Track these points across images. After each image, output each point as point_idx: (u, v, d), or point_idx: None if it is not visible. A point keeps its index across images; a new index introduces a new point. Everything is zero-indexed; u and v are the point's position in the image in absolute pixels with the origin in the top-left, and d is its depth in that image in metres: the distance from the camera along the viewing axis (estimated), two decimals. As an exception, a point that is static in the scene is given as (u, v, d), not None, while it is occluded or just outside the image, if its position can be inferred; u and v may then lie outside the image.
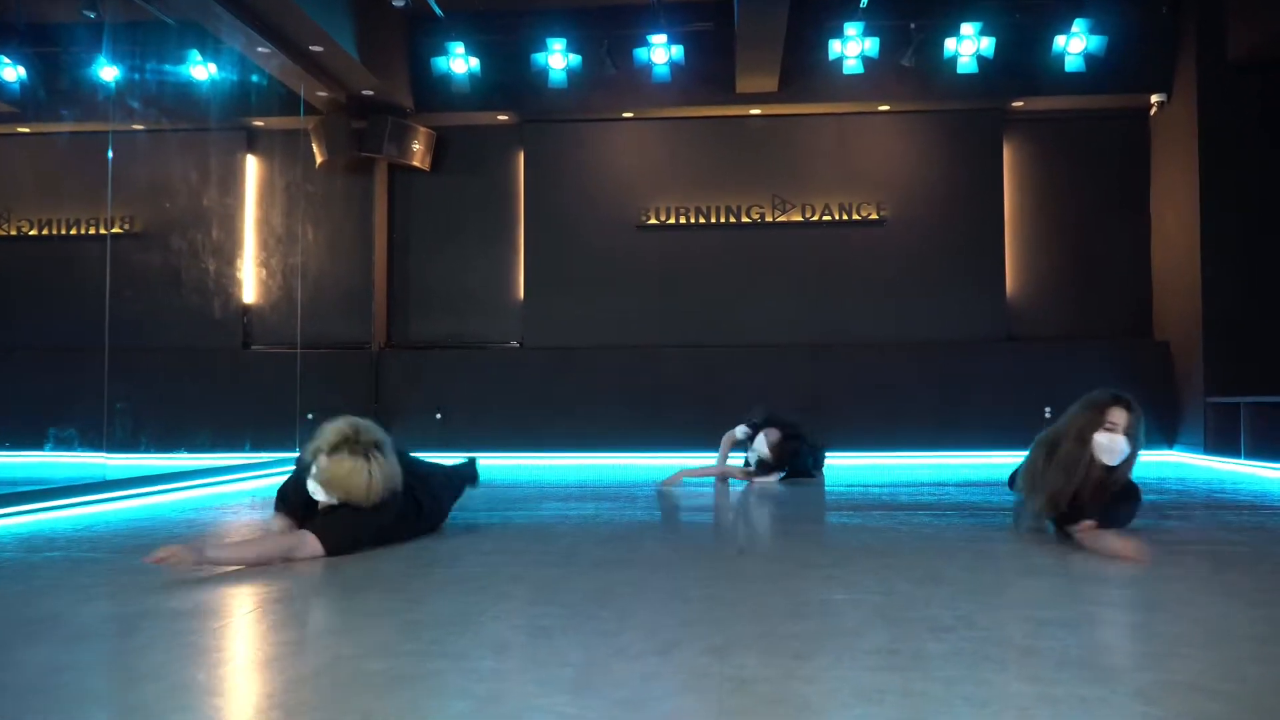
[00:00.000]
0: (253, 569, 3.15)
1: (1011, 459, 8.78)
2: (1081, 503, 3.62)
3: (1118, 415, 3.63)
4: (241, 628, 2.42)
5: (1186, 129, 8.86)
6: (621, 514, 4.82)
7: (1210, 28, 8.64)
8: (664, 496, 5.68)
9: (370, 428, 3.56)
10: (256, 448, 8.04)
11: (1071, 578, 3.01)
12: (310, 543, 3.35)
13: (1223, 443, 8.25)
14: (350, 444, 3.43)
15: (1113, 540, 3.34)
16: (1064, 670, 1.95)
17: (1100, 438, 3.61)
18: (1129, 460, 3.66)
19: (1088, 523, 3.55)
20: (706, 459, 7.21)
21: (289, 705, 1.78)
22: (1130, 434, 3.63)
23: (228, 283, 9.68)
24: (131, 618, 2.52)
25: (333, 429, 3.51)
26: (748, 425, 6.71)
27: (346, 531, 3.42)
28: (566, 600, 2.74)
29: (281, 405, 8.75)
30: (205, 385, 9.31)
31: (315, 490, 3.45)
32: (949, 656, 2.06)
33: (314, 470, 3.44)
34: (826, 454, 7.14)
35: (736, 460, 6.78)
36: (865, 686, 1.85)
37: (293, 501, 3.62)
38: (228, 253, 9.63)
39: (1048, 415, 9.20)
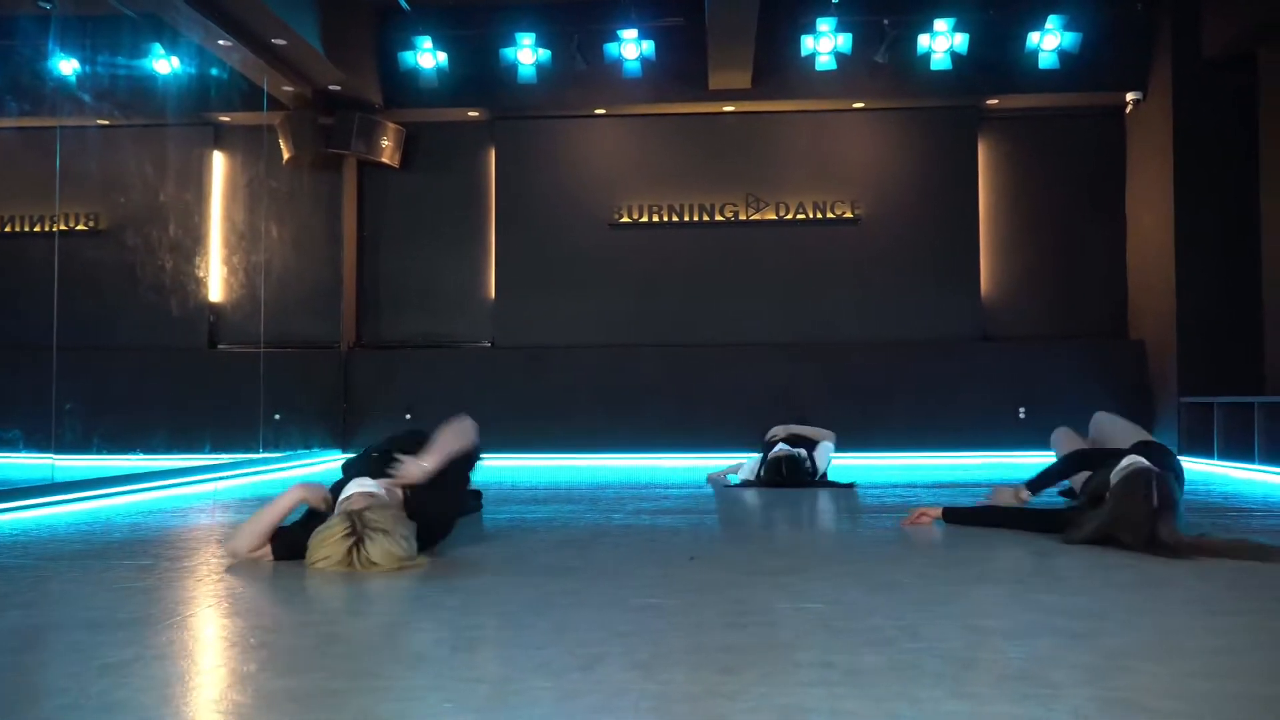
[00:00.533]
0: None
1: (986, 459, 8.83)
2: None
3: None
4: (161, 641, 2.30)
5: (1162, 127, 8.81)
6: (580, 518, 4.71)
7: (1185, 24, 8.59)
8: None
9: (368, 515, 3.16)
10: (219, 449, 7.89)
11: (1025, 585, 2.91)
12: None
13: (1196, 443, 8.20)
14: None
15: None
16: (1001, 686, 1.85)
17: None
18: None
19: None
20: (679, 460, 7.12)
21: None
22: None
23: (191, 281, 9.53)
24: (39, 630, 2.40)
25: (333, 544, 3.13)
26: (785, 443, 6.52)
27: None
28: (502, 610, 2.63)
29: (247, 406, 8.62)
30: (168, 385, 9.16)
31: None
32: (884, 671, 1.96)
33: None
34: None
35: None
36: (790, 704, 1.75)
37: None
38: (191, 250, 9.47)
39: (1021, 416, 9.17)
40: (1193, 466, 7.82)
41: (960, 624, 2.38)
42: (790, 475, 6.11)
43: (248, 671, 2.01)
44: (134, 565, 3.34)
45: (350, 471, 3.67)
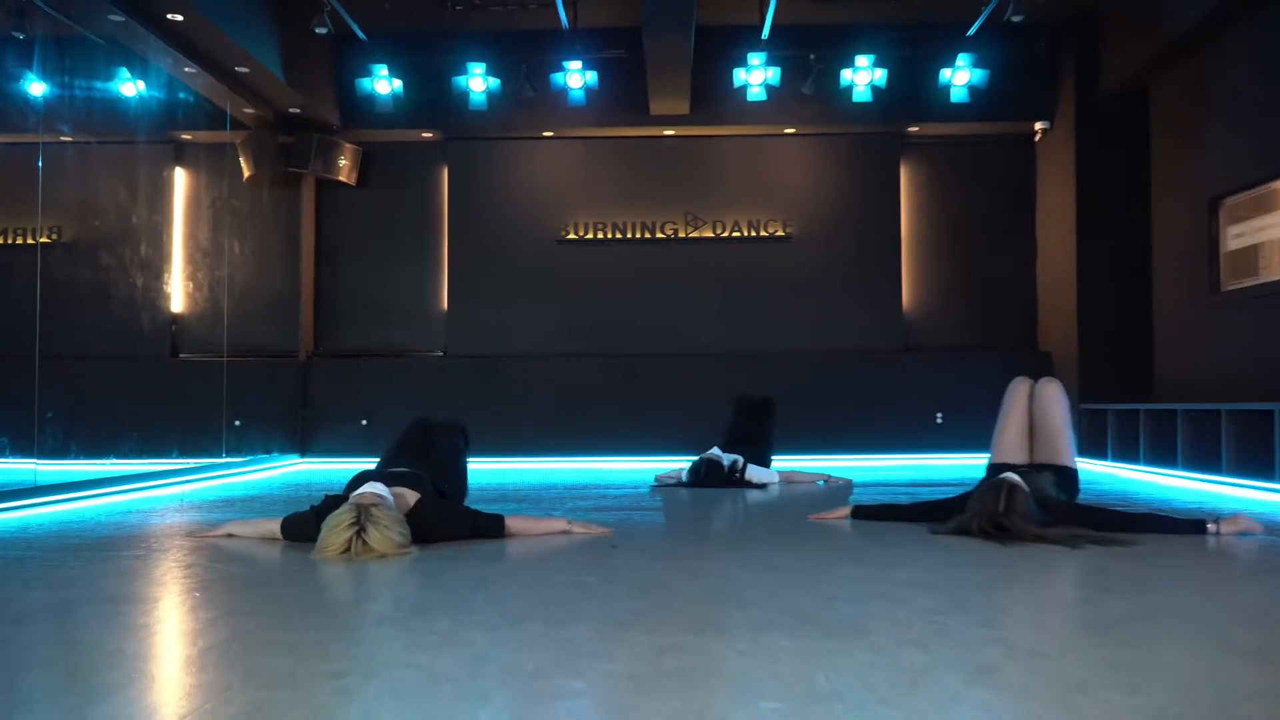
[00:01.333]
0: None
1: (907, 462, 9.52)
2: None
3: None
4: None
5: (1066, 155, 9.57)
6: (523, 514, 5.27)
7: (1086, 60, 9.35)
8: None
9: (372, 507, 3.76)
10: (185, 454, 8.35)
11: (883, 565, 3.52)
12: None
13: (1094, 446, 8.94)
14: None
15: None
16: (829, 633, 2.45)
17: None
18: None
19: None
20: (622, 463, 7.69)
21: None
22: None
23: (155, 293, 9.95)
24: (68, 603, 2.93)
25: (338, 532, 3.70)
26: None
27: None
28: (448, 586, 3.19)
29: (210, 412, 9.07)
30: (134, 393, 9.57)
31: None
32: (743, 624, 2.55)
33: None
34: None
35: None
36: (666, 645, 2.33)
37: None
38: (156, 264, 9.90)
39: (939, 421, 9.89)
40: (1089, 467, 8.56)
41: (817, 593, 2.99)
42: (708, 476, 6.86)
43: (248, 628, 2.56)
44: (130, 554, 3.85)
45: (369, 475, 4.23)
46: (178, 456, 8.25)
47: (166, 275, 10.16)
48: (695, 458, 7.22)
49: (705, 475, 6.85)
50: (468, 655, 2.27)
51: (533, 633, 2.48)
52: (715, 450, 7.11)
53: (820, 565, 3.52)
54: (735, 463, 6.96)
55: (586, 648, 2.33)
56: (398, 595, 3.07)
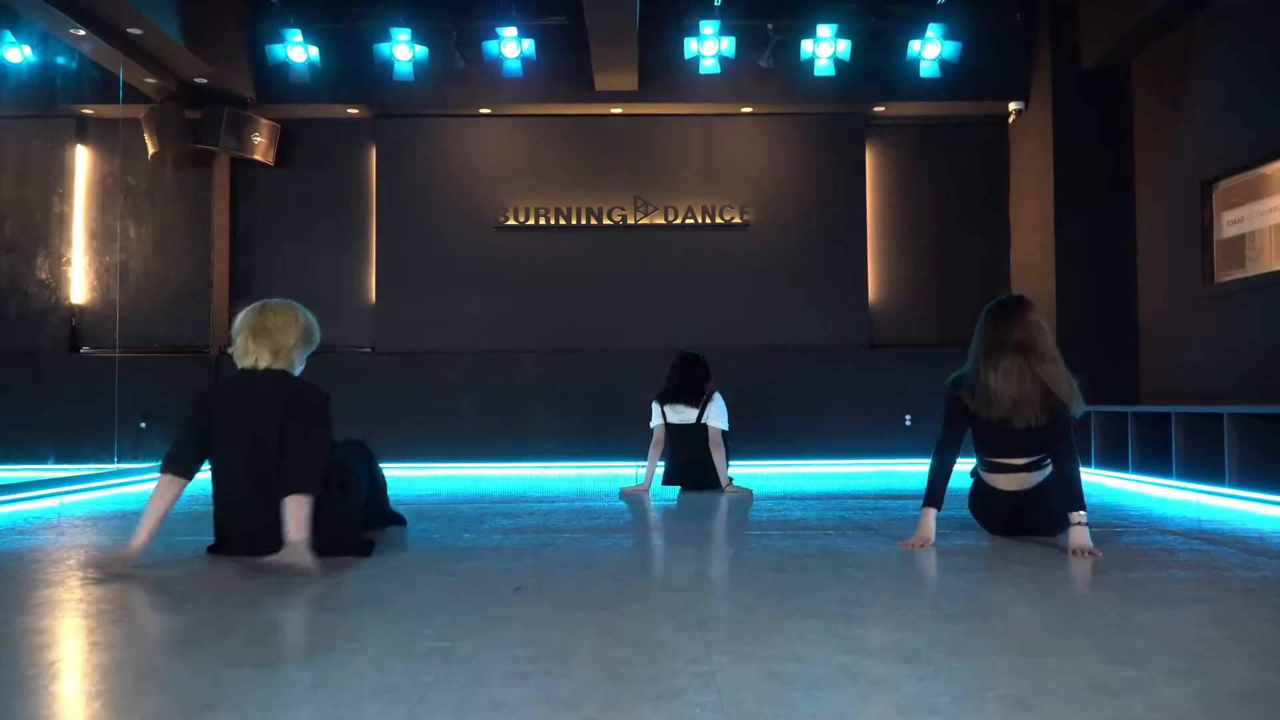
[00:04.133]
0: None
1: (870, 468, 8.78)
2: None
3: None
4: None
5: (1042, 137, 8.89)
6: (427, 538, 4.46)
7: (1063, 35, 8.68)
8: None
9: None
10: (61, 460, 7.44)
11: (844, 618, 2.76)
12: None
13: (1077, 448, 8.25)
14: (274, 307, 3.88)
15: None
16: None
17: None
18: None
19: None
20: (559, 469, 6.95)
21: None
22: None
23: (52, 280, 9.03)
24: None
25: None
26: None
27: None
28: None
29: (104, 414, 8.17)
30: (26, 390, 8.66)
31: (243, 352, 3.79)
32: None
33: (238, 336, 3.83)
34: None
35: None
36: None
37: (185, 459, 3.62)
38: (49, 248, 8.97)
39: (908, 423, 9.17)
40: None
41: (760, 669, 2.21)
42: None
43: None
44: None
45: None
46: (55, 463, 7.34)
47: (65, 262, 9.22)
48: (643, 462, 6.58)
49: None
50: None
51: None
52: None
53: (768, 614, 2.74)
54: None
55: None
56: (193, 674, 2.25)
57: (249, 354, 3.80)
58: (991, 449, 4.20)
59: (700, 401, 6.42)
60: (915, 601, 2.99)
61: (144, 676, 2.22)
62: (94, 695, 2.07)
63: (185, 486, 3.61)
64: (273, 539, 3.49)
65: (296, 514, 3.45)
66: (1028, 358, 4.11)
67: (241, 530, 3.71)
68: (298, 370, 3.88)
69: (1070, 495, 3.92)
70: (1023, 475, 4.15)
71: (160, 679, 2.20)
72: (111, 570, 3.42)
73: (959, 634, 2.54)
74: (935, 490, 4.13)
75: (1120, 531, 4.62)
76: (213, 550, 3.83)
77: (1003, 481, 4.20)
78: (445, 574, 3.54)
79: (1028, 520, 4.22)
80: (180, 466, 3.59)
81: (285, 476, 3.51)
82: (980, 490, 4.36)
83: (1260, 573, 3.46)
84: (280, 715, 1.90)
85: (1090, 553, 3.74)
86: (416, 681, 2.12)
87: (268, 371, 3.78)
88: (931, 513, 4.09)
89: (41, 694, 2.09)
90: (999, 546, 4.07)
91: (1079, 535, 3.82)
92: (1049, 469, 4.12)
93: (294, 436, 3.59)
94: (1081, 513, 3.85)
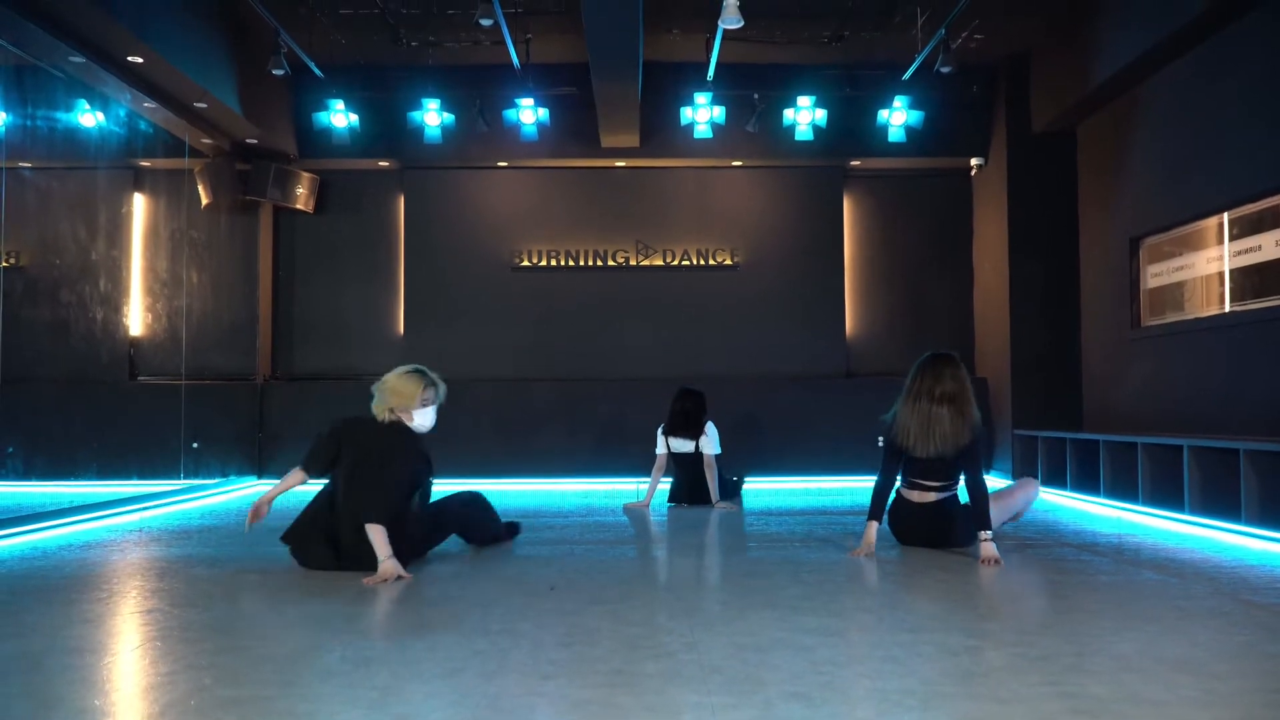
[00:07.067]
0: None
1: (851, 484, 9.87)
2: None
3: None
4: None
5: (999, 190, 9.99)
6: (469, 548, 5.53)
7: (1017, 102, 9.78)
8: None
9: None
10: (143, 477, 8.54)
11: (790, 609, 3.83)
12: None
13: (1026, 471, 9.33)
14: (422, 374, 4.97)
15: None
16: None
17: None
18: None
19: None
20: (568, 485, 7.98)
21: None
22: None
23: (113, 316, 10.10)
24: (35, 655, 3.16)
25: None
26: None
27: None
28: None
29: (168, 436, 9.24)
30: (92, 417, 9.71)
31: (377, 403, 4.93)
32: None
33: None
34: None
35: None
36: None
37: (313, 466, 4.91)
38: (112, 287, 10.05)
39: (880, 445, 10.23)
40: (1017, 493, 8.93)
41: (728, 641, 3.28)
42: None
43: (203, 684, 2.81)
44: (92, 598, 4.07)
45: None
46: (137, 480, 8.42)
47: (125, 299, 10.31)
48: (643, 478, 7.65)
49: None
50: (400, 714, 2.54)
51: (465, 687, 2.76)
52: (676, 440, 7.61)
53: (737, 607, 3.81)
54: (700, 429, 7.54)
55: (509, 703, 2.61)
56: (345, 645, 3.32)
57: (379, 406, 4.95)
58: (913, 472, 5.31)
59: (697, 435, 7.50)
60: (845, 597, 4.07)
61: (316, 644, 3.30)
62: (288, 649, 3.14)
63: (304, 480, 4.88)
64: (352, 546, 4.59)
65: (375, 539, 4.48)
66: (955, 403, 5.23)
67: (337, 534, 4.72)
68: (417, 421, 5.00)
69: (979, 516, 5.01)
70: (932, 494, 5.27)
71: (331, 645, 3.28)
72: (260, 514, 4.85)
73: (868, 619, 3.63)
74: (877, 505, 5.23)
75: (1031, 545, 5.70)
76: (285, 539, 4.87)
77: (916, 496, 5.32)
78: (494, 578, 4.61)
79: (934, 533, 5.32)
80: (309, 469, 4.89)
81: (357, 505, 4.58)
82: (896, 505, 5.44)
83: (1115, 577, 4.53)
84: (411, 670, 2.97)
85: (995, 561, 4.82)
86: (496, 648, 3.20)
87: (390, 424, 4.92)
88: (874, 525, 5.19)
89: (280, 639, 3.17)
90: (927, 556, 5.15)
91: (987, 548, 4.90)
92: (953, 492, 5.25)
93: (378, 478, 4.65)
94: (988, 531, 4.94)
